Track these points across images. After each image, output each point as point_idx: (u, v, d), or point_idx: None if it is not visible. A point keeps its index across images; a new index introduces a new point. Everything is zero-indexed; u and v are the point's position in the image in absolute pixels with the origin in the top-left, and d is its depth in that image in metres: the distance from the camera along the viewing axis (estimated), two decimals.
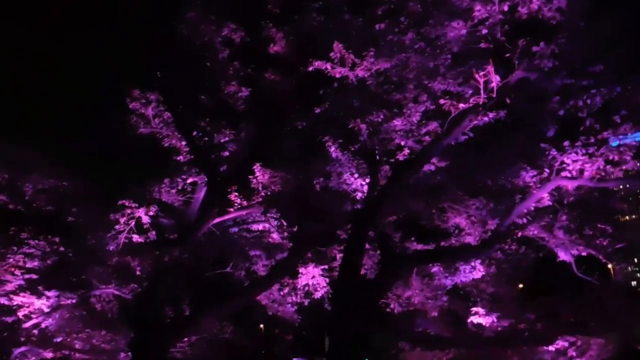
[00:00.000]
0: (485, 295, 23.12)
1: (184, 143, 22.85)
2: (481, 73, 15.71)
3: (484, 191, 20.82)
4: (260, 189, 21.47)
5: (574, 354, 23.00)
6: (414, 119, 20.24)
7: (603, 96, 17.28)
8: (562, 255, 21.43)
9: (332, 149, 19.66)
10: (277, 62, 21.62)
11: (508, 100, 16.77)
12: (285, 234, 24.43)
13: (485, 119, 17.24)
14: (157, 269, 23.16)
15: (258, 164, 20.97)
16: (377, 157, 19.78)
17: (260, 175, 21.20)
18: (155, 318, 23.35)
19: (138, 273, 26.08)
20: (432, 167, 20.46)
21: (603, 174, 17.49)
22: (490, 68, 15.54)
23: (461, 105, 16.51)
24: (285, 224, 24.27)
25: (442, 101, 16.75)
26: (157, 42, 23.57)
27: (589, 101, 17.36)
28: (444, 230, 23.18)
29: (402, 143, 20.83)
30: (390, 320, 21.74)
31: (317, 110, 19.78)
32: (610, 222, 21.36)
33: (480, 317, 22.08)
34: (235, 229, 24.99)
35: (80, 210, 25.12)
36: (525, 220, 18.93)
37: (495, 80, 15.92)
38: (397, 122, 18.98)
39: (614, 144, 17.48)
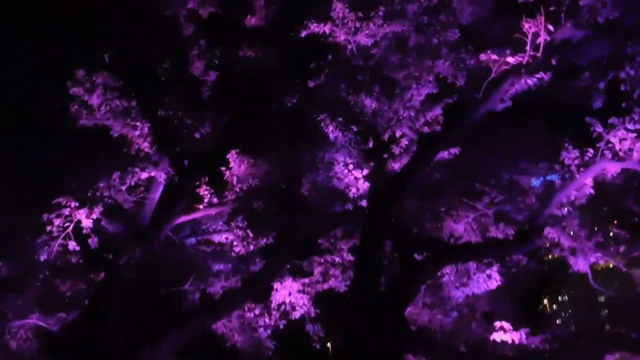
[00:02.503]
0: (502, 309, 19.87)
1: (137, 133, 18.70)
2: (529, 25, 12.82)
3: (495, 186, 17.85)
4: (234, 182, 17.66)
5: None
6: (415, 103, 17.22)
7: None
8: (578, 264, 18.64)
9: (330, 128, 16.27)
10: (256, 35, 18.13)
11: (554, 62, 13.95)
12: (252, 247, 20.45)
13: (530, 82, 14.38)
14: (99, 289, 18.64)
15: (233, 151, 17.23)
16: (384, 139, 16.44)
17: (235, 165, 17.52)
18: (90, 351, 18.66)
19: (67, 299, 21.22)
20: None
21: None
22: (541, 17, 12.72)
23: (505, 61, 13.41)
24: (251, 235, 20.32)
25: (482, 56, 13.75)
26: (109, 18, 19.64)
27: (632, 72, 14.82)
28: (436, 240, 19.94)
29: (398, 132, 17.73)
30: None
31: (311, 84, 16.34)
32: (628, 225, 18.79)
33: (505, 334, 18.67)
34: (193, 241, 20.84)
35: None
36: (565, 211, 15.99)
37: (543, 35, 13.12)
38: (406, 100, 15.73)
39: None
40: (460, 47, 17.30)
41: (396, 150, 18.08)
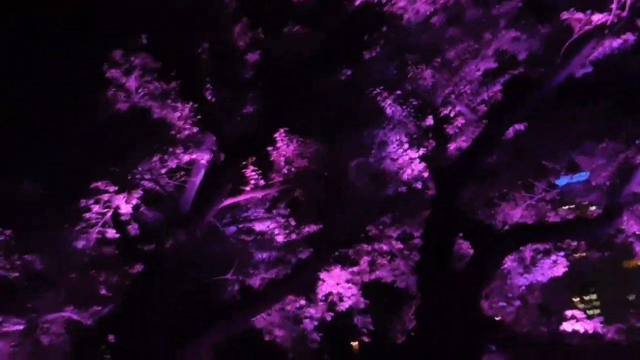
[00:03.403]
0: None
1: (177, 114, 17.75)
2: None
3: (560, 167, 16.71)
4: (282, 163, 16.64)
5: None
6: (474, 78, 16.14)
7: None
8: None
9: (387, 102, 15.20)
10: (303, 9, 17.14)
11: None
12: (294, 236, 19.39)
13: (615, 44, 13.24)
14: (140, 280, 17.69)
15: (282, 130, 16.21)
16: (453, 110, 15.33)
17: (283, 145, 16.47)
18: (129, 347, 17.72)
19: (103, 292, 20.27)
20: None
21: None
22: None
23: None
24: (293, 223, 19.27)
25: (564, 15, 12.66)
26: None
27: None
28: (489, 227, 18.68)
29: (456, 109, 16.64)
30: None
31: (367, 56, 15.30)
32: None
33: (578, 324, 17.47)
34: (233, 229, 19.83)
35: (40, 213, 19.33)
36: None
37: None
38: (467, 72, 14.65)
39: None
40: (520, 20, 16.17)
41: (450, 130, 16.92)
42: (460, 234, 14.69)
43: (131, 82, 18.50)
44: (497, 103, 15.42)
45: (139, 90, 18.68)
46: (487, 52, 16.08)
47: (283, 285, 17.84)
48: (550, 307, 19.42)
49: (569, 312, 17.40)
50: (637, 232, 17.81)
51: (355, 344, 26.27)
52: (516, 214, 18.90)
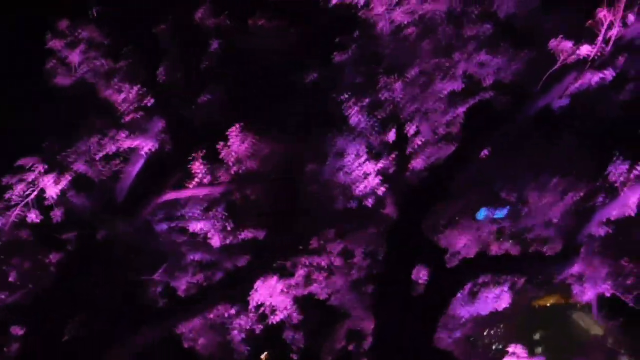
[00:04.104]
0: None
1: (122, 96, 16.43)
2: (603, 14, 11.52)
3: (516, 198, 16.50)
4: (231, 163, 15.62)
5: None
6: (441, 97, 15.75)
7: None
8: (584, 293, 17.40)
9: (354, 110, 14.47)
10: (272, 4, 16.29)
11: (621, 59, 12.72)
12: (229, 240, 18.33)
13: (594, 79, 13.05)
14: (61, 268, 16.19)
15: (237, 125, 15.22)
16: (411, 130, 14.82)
17: (236, 142, 15.44)
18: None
19: (12, 278, 18.61)
20: None
21: None
22: (620, 5, 11.44)
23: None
24: (230, 227, 18.22)
25: (552, 44, 12.39)
26: None
27: None
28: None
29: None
30: None
31: (338, 58, 14.57)
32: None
33: None
34: (164, 226, 18.54)
35: None
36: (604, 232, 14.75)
37: (618, 27, 11.86)
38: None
39: None
40: (491, 45, 15.89)
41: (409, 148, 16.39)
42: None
43: (74, 57, 16.98)
44: (471, 126, 14.92)
45: (82, 67, 17.18)
46: (456, 72, 15.58)
47: (217, 291, 16.64)
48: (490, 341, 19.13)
49: (510, 347, 16.98)
50: (575, 274, 17.75)
51: (263, 356, 25.18)
52: (460, 241, 18.48)
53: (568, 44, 12.51)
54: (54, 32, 16.75)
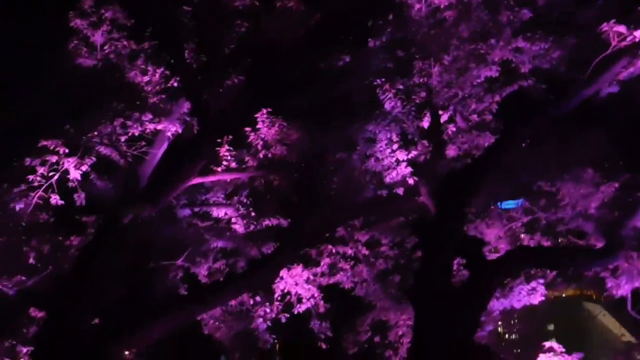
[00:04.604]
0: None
1: (146, 78, 15.94)
2: None
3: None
4: (259, 147, 15.12)
5: None
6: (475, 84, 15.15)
7: None
8: (619, 287, 16.81)
9: (388, 95, 13.90)
10: None
11: None
12: (252, 227, 17.88)
13: None
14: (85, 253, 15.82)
15: (265, 110, 14.69)
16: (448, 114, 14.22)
17: (264, 127, 14.94)
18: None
19: (31, 261, 18.29)
20: None
21: None
22: None
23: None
24: (253, 213, 17.76)
25: (604, 27, 11.72)
26: None
27: None
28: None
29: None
30: None
31: (371, 44, 13.99)
32: None
33: (556, 357, 16.52)
34: (188, 212, 18.12)
35: None
36: None
37: None
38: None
39: None
40: (530, 30, 15.28)
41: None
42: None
43: (97, 37, 16.52)
44: (508, 115, 14.33)
45: (105, 48, 16.73)
46: (492, 58, 14.98)
47: (241, 279, 16.23)
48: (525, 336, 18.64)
49: (547, 343, 16.44)
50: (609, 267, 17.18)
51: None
52: (490, 233, 17.93)
53: (622, 28, 11.79)
54: (76, 11, 16.18)
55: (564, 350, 16.79)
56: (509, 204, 18.76)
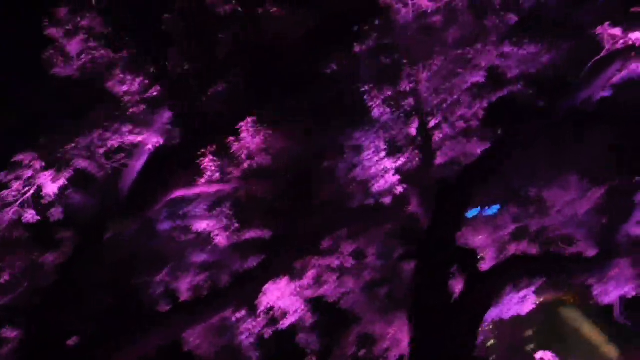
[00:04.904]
0: None
1: (124, 88, 15.46)
2: None
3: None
4: (243, 157, 14.69)
5: None
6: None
7: None
8: (606, 294, 16.66)
9: (376, 102, 13.58)
10: None
11: None
12: (234, 239, 17.39)
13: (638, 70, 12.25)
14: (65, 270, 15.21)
15: (250, 119, 14.29)
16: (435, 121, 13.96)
17: (248, 136, 14.51)
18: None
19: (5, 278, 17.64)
20: None
21: None
22: None
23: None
24: (236, 225, 17.29)
25: (598, 30, 11.58)
26: None
27: None
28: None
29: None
30: None
31: (357, 49, 13.69)
32: None
33: None
34: (167, 226, 17.57)
35: None
36: None
37: None
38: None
39: None
40: (516, 34, 15.15)
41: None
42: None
43: (73, 46, 15.98)
44: (498, 121, 14.12)
45: (81, 57, 16.18)
46: (479, 63, 14.78)
47: (224, 294, 15.69)
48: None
49: (538, 354, 16.18)
50: None
51: None
52: (477, 241, 17.67)
53: (617, 30, 11.63)
54: (51, 20, 15.66)
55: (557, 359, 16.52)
56: (492, 209, 18.55)
